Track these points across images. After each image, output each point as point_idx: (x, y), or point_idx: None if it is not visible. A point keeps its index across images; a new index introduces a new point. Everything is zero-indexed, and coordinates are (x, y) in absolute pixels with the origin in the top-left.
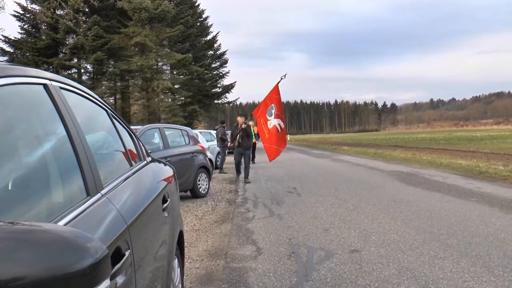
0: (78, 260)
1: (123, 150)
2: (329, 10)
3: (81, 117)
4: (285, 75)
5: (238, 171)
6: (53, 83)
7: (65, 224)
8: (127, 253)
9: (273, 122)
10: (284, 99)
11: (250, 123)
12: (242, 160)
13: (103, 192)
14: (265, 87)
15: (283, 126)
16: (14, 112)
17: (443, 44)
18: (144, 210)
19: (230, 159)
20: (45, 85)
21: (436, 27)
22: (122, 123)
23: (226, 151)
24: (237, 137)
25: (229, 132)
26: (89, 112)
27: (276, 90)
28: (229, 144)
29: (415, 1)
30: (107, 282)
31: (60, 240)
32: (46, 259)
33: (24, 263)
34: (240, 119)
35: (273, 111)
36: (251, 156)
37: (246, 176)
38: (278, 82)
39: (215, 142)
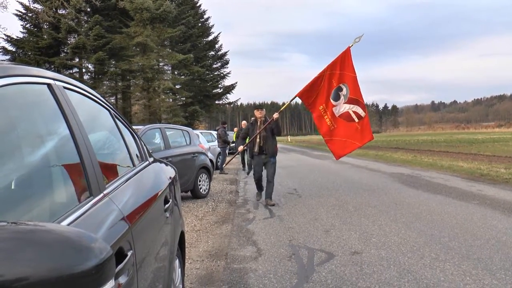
0: (83, 261)
1: (126, 150)
2: (330, 11)
3: (84, 116)
4: (360, 37)
5: (259, 188)
6: (57, 82)
7: (68, 224)
8: (129, 254)
9: (342, 108)
10: (284, 99)
11: (243, 123)
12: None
13: (105, 192)
14: (266, 88)
15: (363, 114)
16: (18, 112)
17: (445, 46)
18: (146, 210)
19: (233, 159)
20: (49, 85)
21: (438, 29)
22: (125, 123)
23: (227, 151)
24: (257, 139)
25: (231, 133)
26: (92, 112)
27: (348, 64)
28: (240, 147)
29: (417, 2)
30: (111, 282)
31: (64, 240)
32: (50, 260)
33: (29, 263)
34: (258, 113)
35: (342, 93)
36: (275, 168)
37: (270, 196)
38: (350, 46)
39: (215, 143)
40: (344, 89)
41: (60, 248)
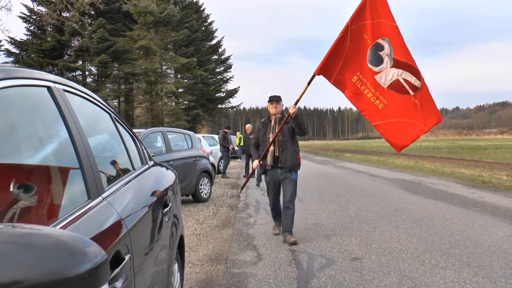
0: (77, 265)
1: (125, 154)
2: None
3: (84, 119)
4: None
5: (276, 217)
6: (57, 85)
7: (66, 227)
8: (126, 257)
9: (390, 74)
10: (287, 104)
11: (248, 126)
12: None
13: (104, 195)
14: (269, 92)
15: (418, 83)
16: (18, 114)
17: (448, 52)
18: (145, 214)
19: (233, 163)
20: (48, 88)
21: (440, 35)
22: (125, 127)
23: (229, 155)
24: (271, 146)
25: (234, 138)
26: (92, 115)
27: (383, 8)
28: (255, 163)
29: (420, 9)
30: (106, 287)
31: (59, 244)
32: (45, 263)
33: (23, 267)
34: (273, 108)
35: (385, 53)
36: (295, 187)
37: (289, 229)
38: None
39: (217, 147)
40: (386, 47)
41: (55, 252)
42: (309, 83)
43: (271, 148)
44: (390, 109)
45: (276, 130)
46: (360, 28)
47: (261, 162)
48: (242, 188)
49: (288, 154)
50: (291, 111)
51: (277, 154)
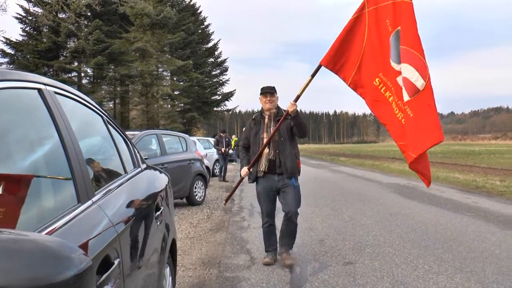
0: (62, 271)
1: (117, 157)
2: (332, 19)
3: (75, 122)
4: None
5: (269, 241)
6: (48, 87)
7: (54, 231)
8: (116, 262)
9: (407, 71)
10: (283, 107)
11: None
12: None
13: (94, 199)
14: None
15: (420, 84)
16: (7, 116)
17: (443, 57)
18: (136, 218)
19: (228, 166)
20: (39, 90)
21: (434, 41)
22: (118, 129)
23: (223, 157)
24: (265, 149)
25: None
26: (84, 118)
27: None
28: (244, 170)
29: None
30: None
31: (45, 250)
32: (29, 269)
33: (7, 273)
34: (267, 102)
35: (394, 46)
36: (299, 195)
37: (288, 245)
38: None
39: (212, 150)
40: (396, 39)
41: (40, 257)
42: (313, 75)
43: (266, 150)
44: (417, 119)
45: (272, 128)
46: (379, 11)
47: (251, 170)
48: (227, 200)
49: (286, 157)
50: (291, 108)
51: (273, 158)
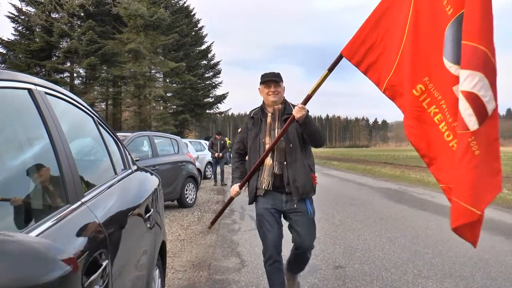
0: (48, 272)
1: (108, 158)
2: (327, 23)
3: (66, 123)
4: None
5: (277, 278)
6: (38, 88)
7: (42, 232)
8: (104, 263)
9: (475, 82)
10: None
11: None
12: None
13: (83, 200)
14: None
15: (490, 107)
16: None
17: None
18: (125, 219)
19: (228, 168)
20: (29, 90)
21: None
22: (109, 131)
23: (217, 161)
24: (268, 160)
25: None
26: (75, 119)
27: None
28: (234, 189)
29: None
30: None
31: (31, 252)
32: (15, 270)
33: None
34: (270, 93)
35: (452, 39)
36: (313, 222)
37: (297, 272)
38: None
39: (204, 152)
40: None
41: (26, 259)
42: (330, 69)
43: (268, 160)
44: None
45: (277, 131)
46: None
47: (243, 188)
48: (213, 223)
49: (297, 171)
50: (298, 114)
51: (279, 172)
